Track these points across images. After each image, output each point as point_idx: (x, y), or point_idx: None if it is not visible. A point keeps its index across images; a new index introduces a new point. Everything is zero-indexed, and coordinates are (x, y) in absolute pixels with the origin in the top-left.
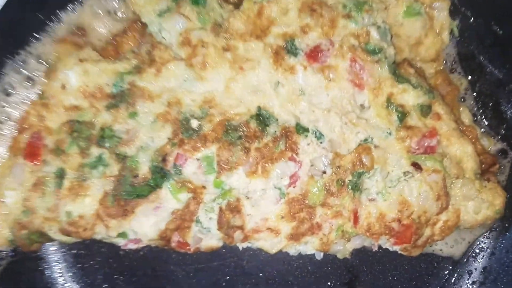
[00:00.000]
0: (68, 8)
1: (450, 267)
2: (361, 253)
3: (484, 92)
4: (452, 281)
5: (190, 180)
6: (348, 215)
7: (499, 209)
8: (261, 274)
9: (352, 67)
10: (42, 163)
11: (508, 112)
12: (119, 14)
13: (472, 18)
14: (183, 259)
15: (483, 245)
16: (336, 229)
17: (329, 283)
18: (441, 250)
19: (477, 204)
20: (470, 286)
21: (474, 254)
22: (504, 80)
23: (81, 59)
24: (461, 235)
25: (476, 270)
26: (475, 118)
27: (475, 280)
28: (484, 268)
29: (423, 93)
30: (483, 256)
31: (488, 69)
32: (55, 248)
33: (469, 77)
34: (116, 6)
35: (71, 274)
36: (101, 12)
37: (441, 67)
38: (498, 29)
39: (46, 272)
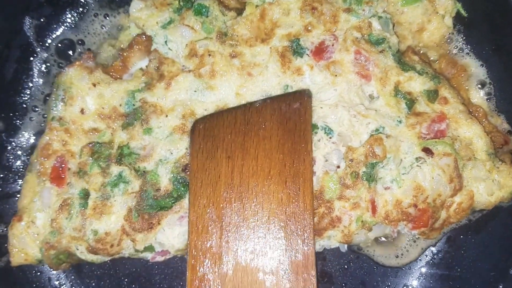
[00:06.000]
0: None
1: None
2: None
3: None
4: None
5: None
6: (366, 205)
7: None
8: None
9: (357, 59)
10: (67, 185)
11: None
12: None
13: None
14: None
15: None
16: (356, 220)
17: None
18: None
19: (488, 186)
20: (435, 255)
21: None
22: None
23: (94, 83)
24: None
25: (441, 239)
26: (486, 97)
27: (439, 249)
28: (449, 237)
29: (428, 79)
30: None
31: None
32: None
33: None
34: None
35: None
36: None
37: (446, 51)
38: None
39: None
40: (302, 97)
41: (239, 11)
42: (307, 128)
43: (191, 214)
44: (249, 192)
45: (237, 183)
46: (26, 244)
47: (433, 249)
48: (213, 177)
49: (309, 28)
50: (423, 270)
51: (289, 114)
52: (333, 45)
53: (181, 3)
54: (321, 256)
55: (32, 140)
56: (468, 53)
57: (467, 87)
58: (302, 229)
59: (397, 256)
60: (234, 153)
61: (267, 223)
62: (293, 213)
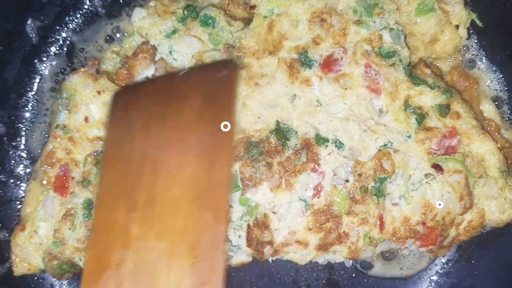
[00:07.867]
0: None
1: None
2: None
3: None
4: None
5: None
6: (374, 221)
7: None
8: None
9: (367, 73)
10: (70, 195)
11: None
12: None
13: None
14: None
15: None
16: (363, 236)
17: None
18: None
19: (500, 204)
20: (445, 264)
21: None
22: None
23: (99, 90)
24: None
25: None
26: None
27: (450, 258)
28: (459, 246)
29: (440, 93)
30: None
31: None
32: None
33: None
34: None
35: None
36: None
37: (458, 62)
38: None
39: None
40: (228, 65)
41: (246, 21)
42: (232, 95)
43: (98, 195)
44: (163, 164)
45: (151, 156)
46: (29, 254)
47: (443, 258)
48: (126, 149)
49: (318, 41)
50: (434, 278)
51: (215, 83)
52: (342, 58)
53: (186, 13)
54: (328, 265)
55: (35, 145)
56: (481, 59)
57: (479, 100)
58: (214, 205)
59: (401, 268)
60: (151, 123)
61: (175, 202)
62: (208, 183)
